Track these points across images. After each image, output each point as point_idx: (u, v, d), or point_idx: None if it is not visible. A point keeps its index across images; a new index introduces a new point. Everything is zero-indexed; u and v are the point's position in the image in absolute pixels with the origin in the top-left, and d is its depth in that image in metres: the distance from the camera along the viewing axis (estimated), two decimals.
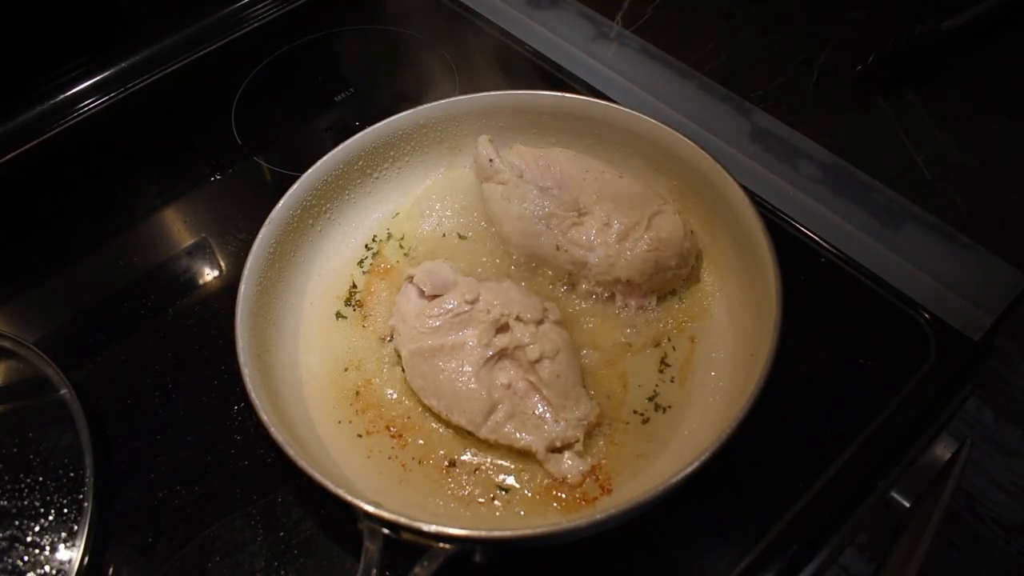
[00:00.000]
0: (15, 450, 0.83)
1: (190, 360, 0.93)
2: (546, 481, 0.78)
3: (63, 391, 0.86)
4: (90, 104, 1.23)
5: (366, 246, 0.99)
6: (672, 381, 0.85)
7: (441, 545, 0.66)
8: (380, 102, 1.20)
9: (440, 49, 1.28)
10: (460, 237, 1.00)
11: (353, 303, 0.94)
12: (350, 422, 0.84)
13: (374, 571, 0.67)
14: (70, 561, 0.76)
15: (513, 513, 0.76)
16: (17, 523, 0.78)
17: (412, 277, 0.89)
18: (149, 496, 0.82)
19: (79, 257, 1.06)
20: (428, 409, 0.83)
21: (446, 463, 0.80)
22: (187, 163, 1.15)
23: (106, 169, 1.16)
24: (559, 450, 0.78)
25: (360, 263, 0.98)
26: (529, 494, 0.78)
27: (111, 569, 0.78)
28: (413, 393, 0.84)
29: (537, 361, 0.81)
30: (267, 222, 0.89)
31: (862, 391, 0.86)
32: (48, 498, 0.80)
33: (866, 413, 0.84)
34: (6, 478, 0.81)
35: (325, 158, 0.95)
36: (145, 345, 0.94)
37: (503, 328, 0.83)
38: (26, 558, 0.76)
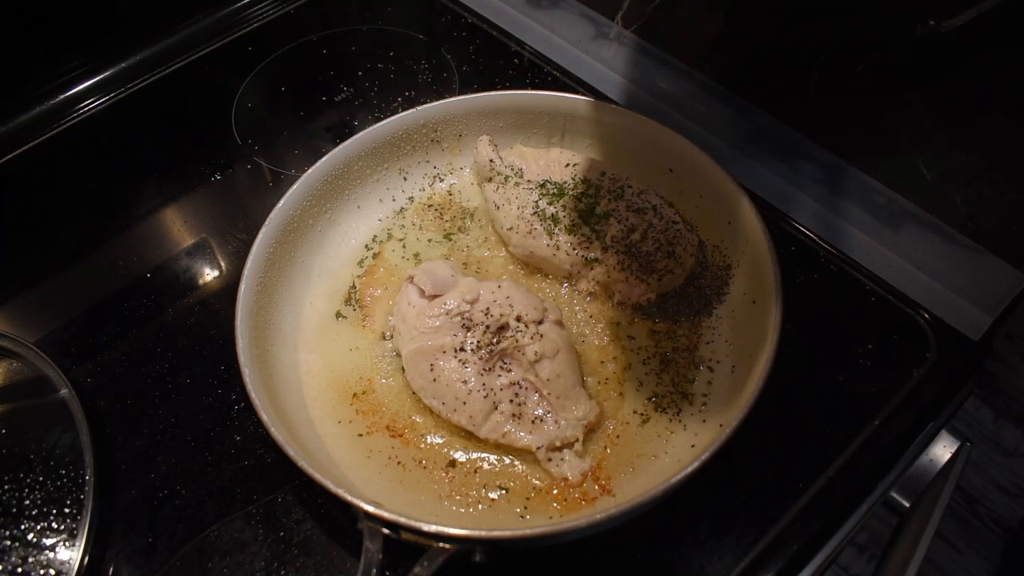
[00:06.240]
0: (15, 450, 0.83)
1: (190, 360, 0.93)
2: (546, 481, 0.78)
3: (63, 391, 0.86)
4: (90, 104, 1.23)
5: (366, 246, 0.99)
6: (672, 381, 0.85)
7: (441, 545, 0.66)
8: (380, 102, 1.21)
9: (440, 49, 1.28)
10: (460, 237, 1.00)
11: (353, 303, 0.94)
12: (350, 422, 0.84)
13: (374, 571, 0.67)
14: (70, 561, 0.76)
15: (513, 513, 0.76)
16: (17, 523, 0.78)
17: (412, 277, 0.89)
18: (149, 496, 0.82)
19: (79, 257, 1.06)
20: (428, 409, 0.83)
21: (446, 463, 0.80)
22: (187, 163, 1.15)
23: (106, 169, 1.16)
24: (559, 450, 0.78)
25: (360, 263, 0.98)
26: (529, 494, 0.78)
27: (111, 569, 0.78)
28: (413, 393, 0.84)
29: (537, 361, 0.81)
30: (267, 222, 0.89)
31: (862, 391, 0.86)
32: (48, 498, 0.80)
33: (866, 413, 0.84)
34: (6, 478, 0.81)
35: (325, 158, 0.95)
36: (145, 345, 0.94)
37: (503, 328, 0.83)
38: (26, 558, 0.76)
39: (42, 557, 0.76)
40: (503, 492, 0.78)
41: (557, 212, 0.93)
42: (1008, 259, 0.92)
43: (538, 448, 0.77)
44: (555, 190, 0.96)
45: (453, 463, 0.80)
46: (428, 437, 0.83)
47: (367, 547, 0.68)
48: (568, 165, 0.99)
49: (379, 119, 0.99)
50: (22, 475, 0.81)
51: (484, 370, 0.81)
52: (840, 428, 0.83)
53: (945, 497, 0.86)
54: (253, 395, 0.75)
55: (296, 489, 0.82)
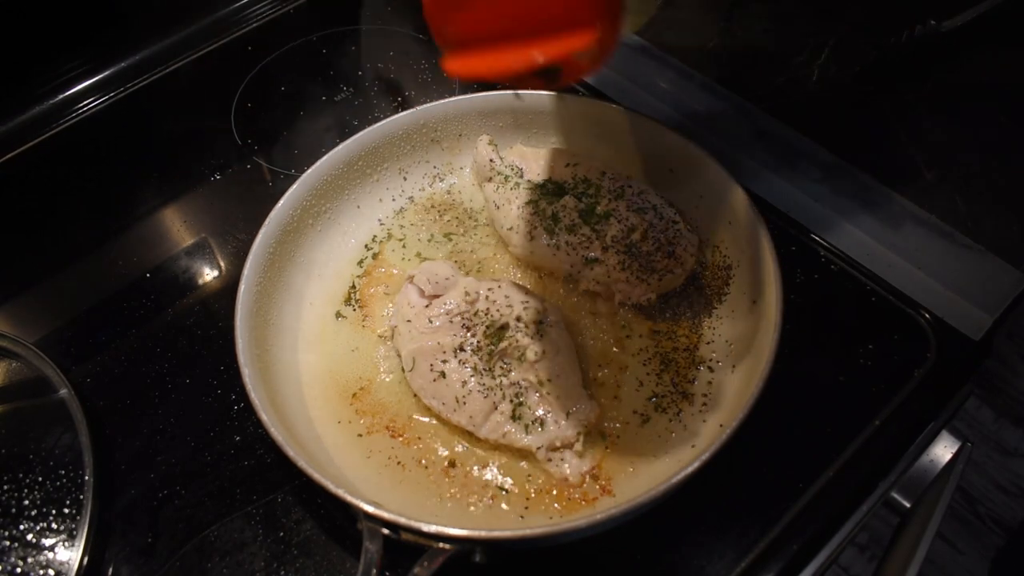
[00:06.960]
0: (15, 450, 0.83)
1: (190, 360, 0.93)
2: (546, 481, 0.78)
3: (63, 391, 0.86)
4: (90, 104, 1.23)
5: (366, 246, 0.99)
6: (672, 381, 0.85)
7: (441, 545, 0.66)
8: (380, 102, 1.21)
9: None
10: (460, 237, 1.00)
11: (353, 303, 0.94)
12: (350, 422, 0.84)
13: (374, 571, 0.67)
14: (70, 561, 0.76)
15: (513, 513, 0.76)
16: (17, 523, 0.78)
17: (412, 277, 0.89)
18: (149, 496, 0.82)
19: (79, 257, 1.06)
20: (428, 409, 0.83)
21: (446, 463, 0.80)
22: (187, 163, 1.15)
23: (106, 169, 1.16)
24: (559, 450, 0.78)
25: (360, 263, 0.98)
26: (529, 494, 0.78)
27: (111, 569, 0.78)
28: (413, 393, 0.84)
29: (537, 361, 0.81)
30: (267, 222, 0.89)
31: (862, 391, 0.86)
32: (48, 498, 0.80)
33: (866, 413, 0.84)
34: (6, 478, 0.81)
35: (325, 158, 0.95)
36: (145, 345, 0.94)
37: (503, 328, 0.83)
38: (26, 558, 0.76)
39: (42, 557, 0.76)
40: (503, 492, 0.78)
41: (557, 212, 0.93)
42: (1008, 259, 0.92)
43: (538, 448, 0.77)
44: (555, 190, 0.96)
45: (453, 463, 0.80)
46: (428, 437, 0.83)
47: (367, 547, 0.68)
48: (568, 165, 0.99)
49: (379, 119, 0.99)
50: (22, 475, 0.81)
51: (484, 370, 0.81)
52: (840, 428, 0.83)
53: (946, 497, 0.86)
54: (253, 395, 0.75)
55: (296, 489, 0.82)
